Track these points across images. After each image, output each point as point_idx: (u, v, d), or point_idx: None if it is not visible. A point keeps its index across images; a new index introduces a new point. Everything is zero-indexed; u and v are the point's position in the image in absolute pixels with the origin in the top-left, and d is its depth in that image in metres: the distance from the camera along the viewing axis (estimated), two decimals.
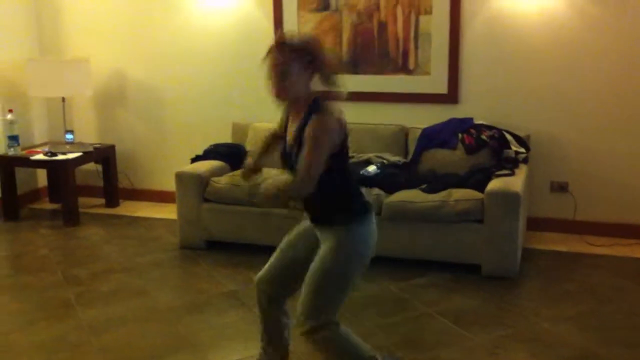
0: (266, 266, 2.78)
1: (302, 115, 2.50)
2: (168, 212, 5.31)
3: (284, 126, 2.68)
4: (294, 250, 2.73)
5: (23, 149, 5.45)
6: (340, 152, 2.52)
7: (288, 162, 2.59)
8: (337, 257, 2.52)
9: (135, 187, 5.88)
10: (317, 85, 2.54)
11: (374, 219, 2.65)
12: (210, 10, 5.40)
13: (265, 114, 5.33)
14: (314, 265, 2.54)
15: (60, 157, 5.25)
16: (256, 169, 2.85)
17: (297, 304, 2.55)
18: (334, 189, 2.55)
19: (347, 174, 2.64)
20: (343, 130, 2.52)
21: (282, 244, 2.78)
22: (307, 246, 2.66)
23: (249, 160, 2.92)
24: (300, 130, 2.48)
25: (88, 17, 5.73)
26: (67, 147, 5.48)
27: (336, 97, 2.56)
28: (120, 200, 5.79)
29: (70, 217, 5.26)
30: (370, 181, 4.41)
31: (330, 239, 2.54)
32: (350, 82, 5.17)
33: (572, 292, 3.93)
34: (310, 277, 2.53)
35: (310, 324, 2.52)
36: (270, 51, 2.49)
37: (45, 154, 5.31)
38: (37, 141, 5.86)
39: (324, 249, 2.55)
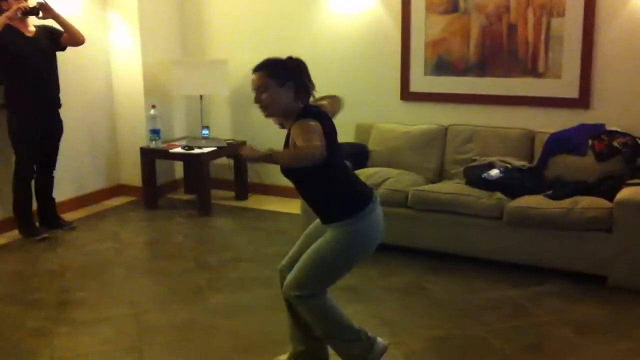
0: (287, 256, 2.99)
1: (290, 124, 2.70)
2: (293, 207, 5.52)
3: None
4: (311, 240, 2.87)
5: (163, 143, 5.86)
6: (329, 155, 2.59)
7: (284, 168, 2.75)
8: (334, 247, 2.72)
9: (264, 182, 6.16)
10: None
11: (377, 209, 2.79)
12: (340, 14, 5.57)
13: (388, 115, 5.45)
14: (313, 246, 2.77)
15: (196, 150, 5.61)
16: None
17: (290, 274, 2.80)
18: (329, 191, 2.75)
19: (340, 174, 2.78)
20: (325, 128, 2.63)
21: (302, 235, 2.98)
22: (316, 237, 2.83)
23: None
24: (287, 138, 2.70)
25: (227, 20, 6.09)
26: (203, 141, 5.84)
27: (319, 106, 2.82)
28: (250, 194, 6.08)
29: (204, 207, 5.60)
30: (493, 185, 4.39)
31: (332, 231, 2.74)
32: (477, 85, 5.27)
33: None
34: (305, 255, 2.77)
35: (291, 294, 2.78)
36: (253, 72, 2.77)
37: (183, 147, 5.70)
38: (177, 136, 6.27)
39: (326, 235, 2.75)
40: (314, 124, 2.61)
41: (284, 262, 3.00)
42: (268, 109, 2.77)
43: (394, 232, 4.56)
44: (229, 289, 4.12)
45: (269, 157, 2.63)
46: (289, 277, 2.81)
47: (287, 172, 2.78)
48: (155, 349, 3.36)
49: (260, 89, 2.74)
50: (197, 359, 3.27)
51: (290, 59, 2.83)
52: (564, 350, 3.31)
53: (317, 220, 2.93)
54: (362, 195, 2.79)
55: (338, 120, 5.91)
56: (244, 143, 6.00)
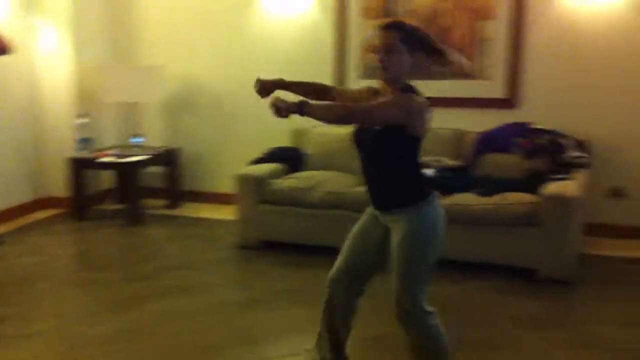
0: (338, 261, 2.84)
1: (394, 94, 2.58)
2: (227, 213, 5.45)
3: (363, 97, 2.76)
4: (363, 241, 2.79)
5: (94, 152, 5.71)
6: (416, 139, 2.57)
7: (361, 137, 2.66)
8: (416, 240, 2.59)
9: (197, 190, 6.07)
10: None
11: (438, 200, 2.69)
12: (275, 18, 5.59)
13: None
14: (396, 254, 2.61)
15: (128, 159, 5.48)
16: (273, 87, 2.89)
17: (392, 294, 2.64)
18: (406, 173, 2.63)
19: (417, 162, 2.67)
20: (423, 116, 2.57)
21: (350, 238, 2.84)
22: (377, 235, 2.73)
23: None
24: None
25: (161, 26, 6.00)
26: (135, 149, 5.72)
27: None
28: (182, 202, 5.99)
29: (135, 217, 5.48)
30: None
31: (402, 224, 2.60)
32: None
33: (629, 297, 3.90)
34: (397, 266, 2.61)
35: (408, 304, 2.62)
36: (383, 29, 2.58)
37: (114, 156, 5.56)
38: (107, 144, 6.11)
39: (400, 235, 2.60)
40: (418, 100, 2.54)
41: (334, 270, 2.85)
42: (388, 71, 2.57)
43: (330, 234, 4.58)
44: (161, 297, 4.02)
45: (297, 107, 2.50)
46: (394, 298, 2.64)
47: (364, 140, 2.64)
48: None
49: (388, 49, 2.54)
50: None
51: (419, 29, 2.67)
52: (502, 342, 3.39)
53: (365, 220, 2.81)
54: (428, 184, 2.73)
55: (275, 125, 5.94)
56: (177, 151, 5.92)
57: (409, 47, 2.55)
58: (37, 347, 3.39)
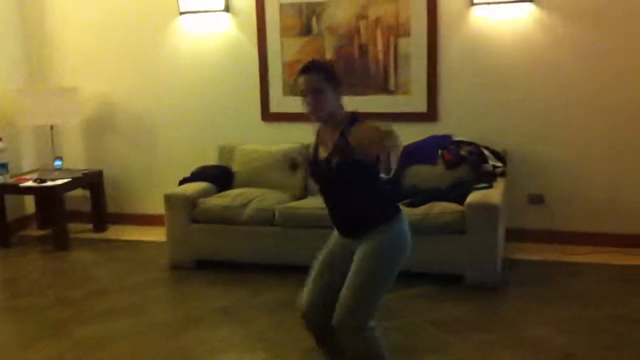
0: (306, 296, 2.79)
1: (341, 128, 2.63)
2: (156, 234, 5.42)
3: (313, 151, 2.81)
4: (330, 270, 2.76)
5: (12, 177, 5.53)
6: (375, 161, 2.60)
7: (325, 173, 2.69)
8: (379, 257, 2.62)
9: (123, 212, 5.97)
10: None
11: (406, 217, 2.75)
12: (195, 37, 5.58)
13: (250, 136, 5.52)
14: (356, 268, 2.61)
15: (50, 183, 5.34)
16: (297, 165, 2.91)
17: (337, 305, 2.61)
18: (375, 194, 2.68)
19: (380, 183, 2.70)
20: None
21: (317, 268, 2.81)
22: (344, 262, 2.69)
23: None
24: (343, 138, 2.60)
25: (75, 46, 5.88)
26: (56, 173, 5.57)
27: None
28: (108, 225, 5.88)
29: (60, 241, 5.34)
30: None
31: (369, 242, 2.62)
32: None
33: (553, 299, 4.08)
34: (353, 279, 2.60)
35: (353, 324, 2.61)
36: (305, 72, 2.64)
37: (35, 180, 5.40)
38: (26, 169, 5.94)
39: (364, 251, 2.62)
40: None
41: (304, 305, 2.79)
42: (317, 112, 2.64)
43: (262, 251, 4.64)
44: (95, 321, 3.95)
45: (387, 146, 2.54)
46: (340, 309, 2.60)
47: (340, 172, 2.63)
48: None
49: (314, 91, 2.61)
50: None
51: (333, 64, 2.71)
52: (431, 347, 3.50)
53: (330, 248, 2.79)
54: (395, 200, 2.76)
55: (200, 143, 5.90)
56: (100, 173, 5.80)
57: (333, 85, 2.63)
58: None
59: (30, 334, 3.80)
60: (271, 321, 3.89)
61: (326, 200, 2.78)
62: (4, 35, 5.80)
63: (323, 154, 2.72)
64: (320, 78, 2.62)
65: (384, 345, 2.72)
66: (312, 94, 2.61)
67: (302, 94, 2.64)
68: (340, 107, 2.69)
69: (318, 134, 2.80)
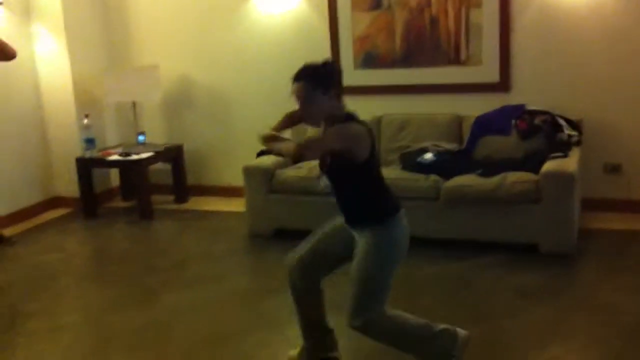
0: (302, 251, 2.98)
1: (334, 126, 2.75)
2: (235, 205, 5.64)
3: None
4: (330, 241, 2.95)
5: (99, 151, 5.84)
6: (370, 160, 2.73)
7: (321, 165, 2.85)
8: (374, 259, 2.74)
9: (203, 184, 6.22)
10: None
11: (404, 218, 2.85)
12: (268, 14, 5.70)
13: None
14: (355, 267, 2.76)
15: (134, 157, 5.62)
16: (275, 137, 3.00)
17: (346, 304, 2.78)
18: (366, 194, 2.80)
19: (378, 180, 2.84)
20: (371, 140, 2.73)
21: (319, 234, 2.98)
22: (343, 241, 2.87)
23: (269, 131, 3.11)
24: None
25: (154, 26, 6.11)
26: (140, 147, 5.85)
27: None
28: (189, 197, 6.13)
29: (145, 212, 5.62)
30: (428, 168, 4.63)
31: (365, 241, 2.75)
32: (404, 76, 5.51)
33: (629, 267, 4.08)
34: (354, 279, 2.76)
35: (359, 322, 2.75)
36: (294, 81, 2.73)
37: (120, 154, 5.69)
38: (110, 144, 6.25)
39: (361, 251, 2.75)
40: (357, 127, 2.69)
41: (295, 256, 2.99)
42: (309, 119, 2.80)
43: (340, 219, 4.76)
44: (181, 288, 4.18)
45: (279, 151, 2.83)
46: (348, 309, 2.76)
47: (328, 169, 2.80)
48: (118, 350, 3.41)
49: (302, 100, 2.72)
50: (161, 355, 3.34)
51: (327, 64, 2.80)
52: (508, 313, 3.57)
53: (336, 223, 2.93)
54: (394, 202, 2.86)
55: (275, 117, 6.07)
56: (180, 147, 6.05)
57: (322, 90, 2.68)
58: (68, 340, 3.55)
59: (121, 300, 4.06)
60: (345, 288, 4.01)
61: (333, 190, 2.93)
62: (88, 19, 6.08)
63: None
64: (308, 86, 2.68)
65: (408, 323, 2.83)
66: (302, 103, 2.72)
67: (296, 99, 2.74)
68: (337, 108, 2.75)
69: (324, 132, 2.87)
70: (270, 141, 2.90)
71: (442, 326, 2.88)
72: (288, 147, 2.75)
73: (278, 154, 2.84)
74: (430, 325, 2.86)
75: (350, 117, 2.76)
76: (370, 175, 2.79)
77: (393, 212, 2.80)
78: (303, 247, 3.00)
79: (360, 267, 2.75)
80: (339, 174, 2.81)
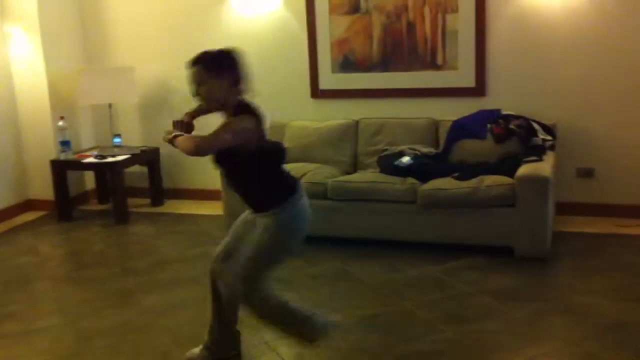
0: (219, 247, 3.14)
1: (229, 116, 2.86)
2: (211, 208, 5.64)
3: None
4: (240, 230, 3.08)
5: (74, 154, 5.78)
6: (260, 149, 2.82)
7: (216, 157, 2.92)
8: (266, 238, 2.87)
9: (178, 187, 6.19)
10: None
11: (302, 199, 2.95)
12: (246, 17, 5.70)
13: (300, 113, 5.64)
14: (248, 243, 2.94)
15: (110, 159, 5.58)
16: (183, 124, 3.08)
17: (235, 272, 2.95)
18: (262, 181, 2.90)
19: (270, 164, 2.92)
20: (256, 131, 2.80)
21: (232, 228, 3.14)
22: (248, 230, 3.00)
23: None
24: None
25: (131, 27, 6.07)
26: (115, 150, 5.81)
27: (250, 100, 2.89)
28: (165, 200, 6.10)
29: (121, 215, 5.58)
30: (404, 171, 4.67)
31: (262, 223, 2.89)
32: (382, 80, 5.55)
33: (604, 269, 4.15)
34: (244, 250, 2.94)
35: (241, 289, 2.91)
36: (189, 67, 2.85)
37: (96, 157, 5.65)
38: (86, 146, 6.19)
39: (257, 230, 2.90)
40: (247, 119, 2.76)
41: (216, 251, 3.15)
42: (207, 102, 2.88)
43: (316, 223, 4.69)
44: (158, 290, 4.16)
45: (172, 141, 2.85)
46: (235, 274, 2.93)
47: (219, 160, 2.91)
48: (95, 352, 3.38)
49: (197, 83, 2.82)
50: (139, 357, 3.32)
51: (224, 51, 2.93)
52: (483, 314, 3.62)
53: (243, 216, 3.09)
54: (288, 186, 2.94)
55: None
56: (156, 150, 6.02)
57: (216, 74, 2.81)
58: (45, 342, 3.52)
59: (97, 302, 4.03)
60: (327, 290, 4.05)
61: (227, 182, 3.10)
62: (63, 19, 6.02)
63: None
64: (202, 70, 2.81)
65: (293, 310, 3.01)
66: (198, 86, 2.82)
67: (191, 85, 2.84)
68: (231, 95, 2.84)
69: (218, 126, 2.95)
70: (176, 128, 2.97)
71: (313, 311, 3.09)
72: (185, 142, 2.79)
73: (173, 145, 2.85)
74: (303, 309, 3.06)
75: (243, 106, 2.84)
76: (266, 161, 2.87)
77: (288, 196, 2.89)
78: (222, 246, 3.13)
79: (251, 243, 2.90)
80: (230, 163, 2.90)
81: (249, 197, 2.97)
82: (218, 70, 2.83)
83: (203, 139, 2.76)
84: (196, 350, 3.23)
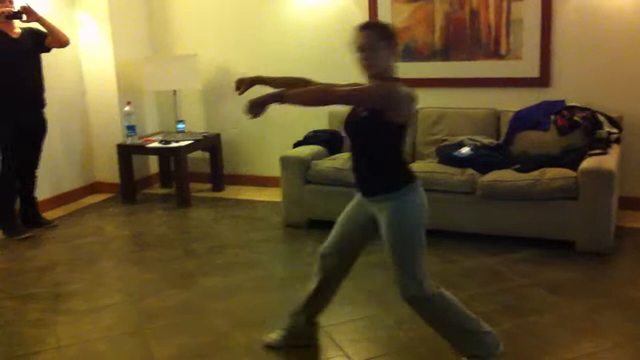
0: (329, 239, 3.05)
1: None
2: (269, 195, 5.73)
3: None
4: (352, 224, 2.99)
5: (139, 138, 5.95)
6: (404, 127, 2.76)
7: (349, 124, 2.86)
8: (400, 227, 2.76)
9: (239, 173, 6.30)
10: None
11: (421, 186, 2.85)
12: (308, 5, 5.74)
13: None
14: (386, 241, 2.80)
15: (174, 144, 5.72)
16: (251, 84, 3.15)
17: (394, 280, 2.83)
18: (388, 161, 2.81)
19: (401, 150, 2.84)
20: (412, 105, 2.76)
21: (341, 219, 3.04)
22: (363, 220, 2.93)
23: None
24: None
25: (194, 16, 6.20)
26: (179, 135, 5.95)
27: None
28: (226, 185, 6.22)
29: (183, 199, 5.72)
30: (464, 162, 4.63)
31: (386, 212, 2.77)
32: (443, 69, 5.50)
33: None
34: (389, 253, 2.80)
35: (408, 293, 2.80)
36: (361, 30, 2.77)
37: (160, 142, 5.80)
38: (150, 131, 6.36)
39: (386, 221, 2.77)
40: (404, 90, 2.70)
41: (325, 246, 3.06)
42: (371, 68, 2.76)
43: None
44: (218, 273, 4.26)
45: (277, 96, 2.78)
46: (397, 285, 2.82)
47: (359, 131, 2.81)
48: (157, 330, 3.49)
49: (364, 47, 2.75)
50: (198, 336, 3.41)
51: (389, 25, 2.91)
52: (541, 308, 3.57)
53: (353, 205, 2.99)
54: (412, 172, 2.87)
55: (312, 108, 6.10)
56: (218, 136, 6.14)
57: (386, 43, 2.74)
58: (108, 320, 3.65)
59: (159, 282, 4.15)
60: (381, 279, 4.06)
61: (352, 157, 2.91)
62: (129, 8, 6.20)
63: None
64: (374, 35, 2.74)
65: (461, 312, 2.86)
66: (367, 51, 2.73)
67: (358, 49, 2.76)
68: (391, 68, 2.78)
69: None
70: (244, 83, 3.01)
71: (489, 328, 2.90)
72: (308, 90, 2.79)
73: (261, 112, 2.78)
74: (479, 321, 2.88)
75: (396, 80, 2.78)
76: (398, 141, 2.80)
77: (411, 180, 2.81)
78: (331, 240, 3.05)
79: (390, 241, 2.77)
80: (367, 134, 2.79)
81: (374, 178, 2.83)
82: (389, 40, 2.76)
83: (338, 89, 2.76)
84: (273, 336, 3.26)
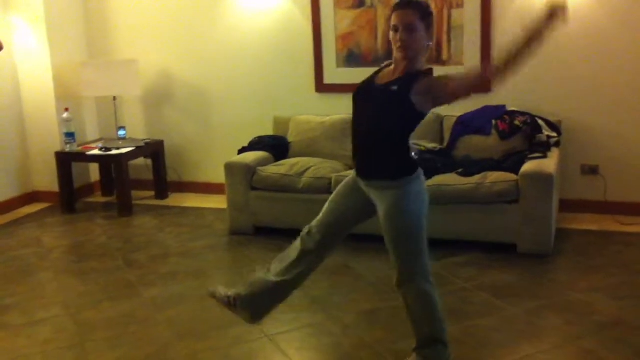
0: (319, 216, 2.93)
1: (407, 71, 2.67)
2: (215, 202, 5.65)
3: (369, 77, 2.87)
4: (345, 204, 2.89)
5: (78, 146, 5.79)
6: (421, 117, 2.70)
7: (369, 94, 2.76)
8: (404, 215, 2.68)
9: (183, 180, 6.20)
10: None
11: (422, 174, 2.80)
12: (251, 10, 5.69)
13: (304, 107, 5.64)
14: (387, 230, 2.72)
15: (115, 151, 5.59)
16: None
17: (392, 271, 2.79)
18: (397, 146, 2.72)
19: (410, 137, 2.77)
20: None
21: (334, 197, 2.94)
22: (357, 202, 2.85)
23: None
24: (411, 77, 2.65)
25: (134, 20, 6.07)
26: (120, 142, 5.81)
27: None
28: (169, 193, 6.11)
29: (125, 207, 5.59)
30: None
31: (389, 200, 2.68)
32: None
33: (605, 267, 4.13)
34: (390, 242, 2.73)
35: (404, 277, 2.76)
36: (402, 7, 2.63)
37: (100, 149, 5.66)
38: (90, 138, 6.20)
39: (387, 210, 2.69)
40: None
41: (314, 222, 2.93)
42: (409, 50, 2.63)
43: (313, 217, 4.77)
44: (160, 282, 4.17)
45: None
46: (395, 274, 2.78)
47: (382, 113, 2.67)
48: (96, 344, 3.39)
49: (408, 27, 2.60)
50: (139, 349, 3.32)
51: (429, 4, 2.77)
52: (483, 311, 3.60)
53: (349, 184, 2.88)
54: (415, 161, 2.82)
55: (256, 114, 6.07)
56: (161, 142, 6.03)
57: (425, 25, 2.63)
58: (45, 334, 3.52)
59: (99, 294, 4.04)
60: (327, 284, 4.04)
61: (356, 134, 2.79)
62: (67, 11, 6.02)
63: (382, 80, 2.75)
64: (416, 16, 2.60)
65: (440, 309, 2.86)
66: (406, 31, 2.60)
67: (394, 29, 2.62)
68: (425, 50, 2.69)
69: (380, 70, 2.84)
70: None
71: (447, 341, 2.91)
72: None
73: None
74: (446, 332, 2.89)
75: (429, 70, 2.73)
76: (412, 128, 2.72)
77: (415, 169, 2.75)
78: (321, 216, 2.93)
79: (393, 229, 2.70)
80: (389, 110, 2.66)
81: (383, 160, 2.72)
82: (429, 23, 2.66)
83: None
84: (222, 289, 3.09)
